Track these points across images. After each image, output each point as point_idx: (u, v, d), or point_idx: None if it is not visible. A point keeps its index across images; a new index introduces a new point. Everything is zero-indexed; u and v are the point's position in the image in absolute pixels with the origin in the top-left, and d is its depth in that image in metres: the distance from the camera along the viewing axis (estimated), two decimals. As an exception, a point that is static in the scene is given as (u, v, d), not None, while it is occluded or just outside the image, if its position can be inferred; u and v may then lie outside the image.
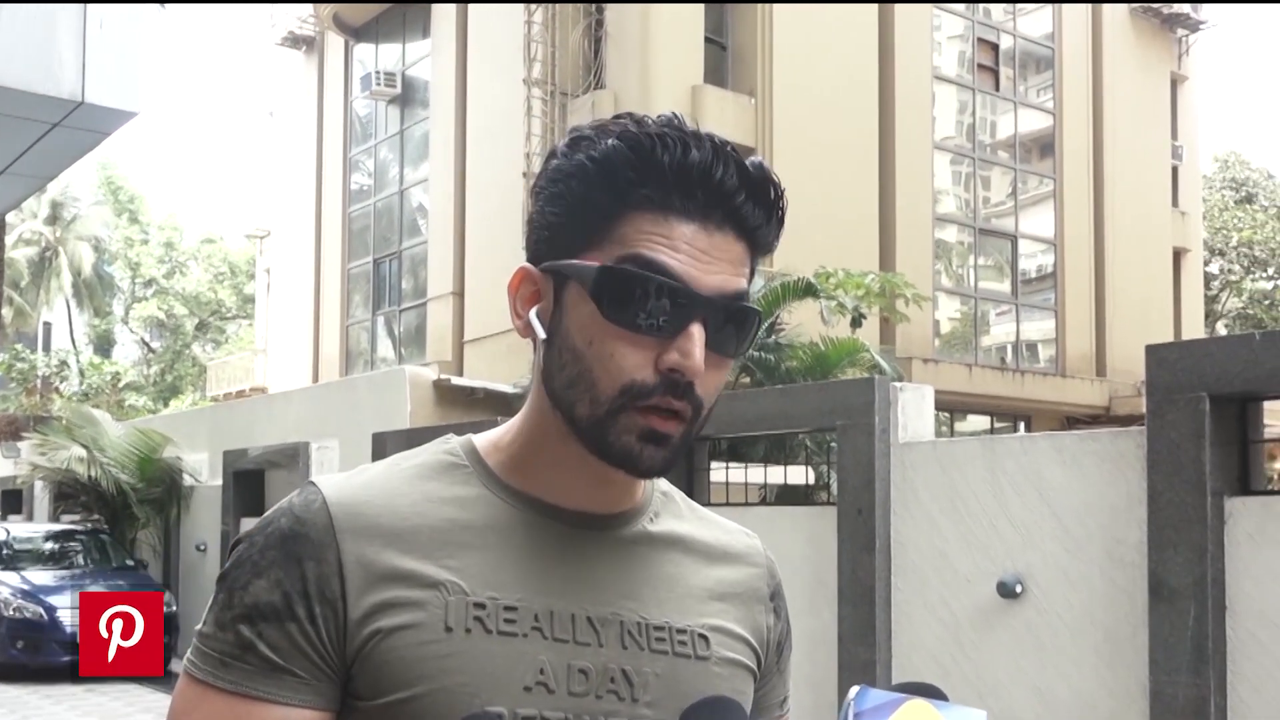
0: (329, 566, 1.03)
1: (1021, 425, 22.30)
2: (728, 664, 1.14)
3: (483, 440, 1.15)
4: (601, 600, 1.09)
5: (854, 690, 1.00)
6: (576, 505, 1.11)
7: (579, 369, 1.04)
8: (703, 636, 1.13)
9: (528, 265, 1.10)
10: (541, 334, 1.08)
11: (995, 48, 23.29)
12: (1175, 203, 25.68)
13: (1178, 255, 25.50)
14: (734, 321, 1.05)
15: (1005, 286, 23.21)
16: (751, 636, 1.18)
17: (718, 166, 1.03)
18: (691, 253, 1.03)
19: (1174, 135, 25.85)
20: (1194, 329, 25.33)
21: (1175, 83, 26.09)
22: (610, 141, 1.04)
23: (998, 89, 23.30)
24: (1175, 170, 25.78)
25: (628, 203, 1.04)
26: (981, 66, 23.07)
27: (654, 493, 1.19)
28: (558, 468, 1.10)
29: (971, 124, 22.91)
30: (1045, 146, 23.78)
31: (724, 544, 1.22)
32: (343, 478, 1.11)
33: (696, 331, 1.02)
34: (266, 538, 1.06)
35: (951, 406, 20.93)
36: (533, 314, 1.09)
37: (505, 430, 1.15)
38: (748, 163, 1.05)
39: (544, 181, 1.09)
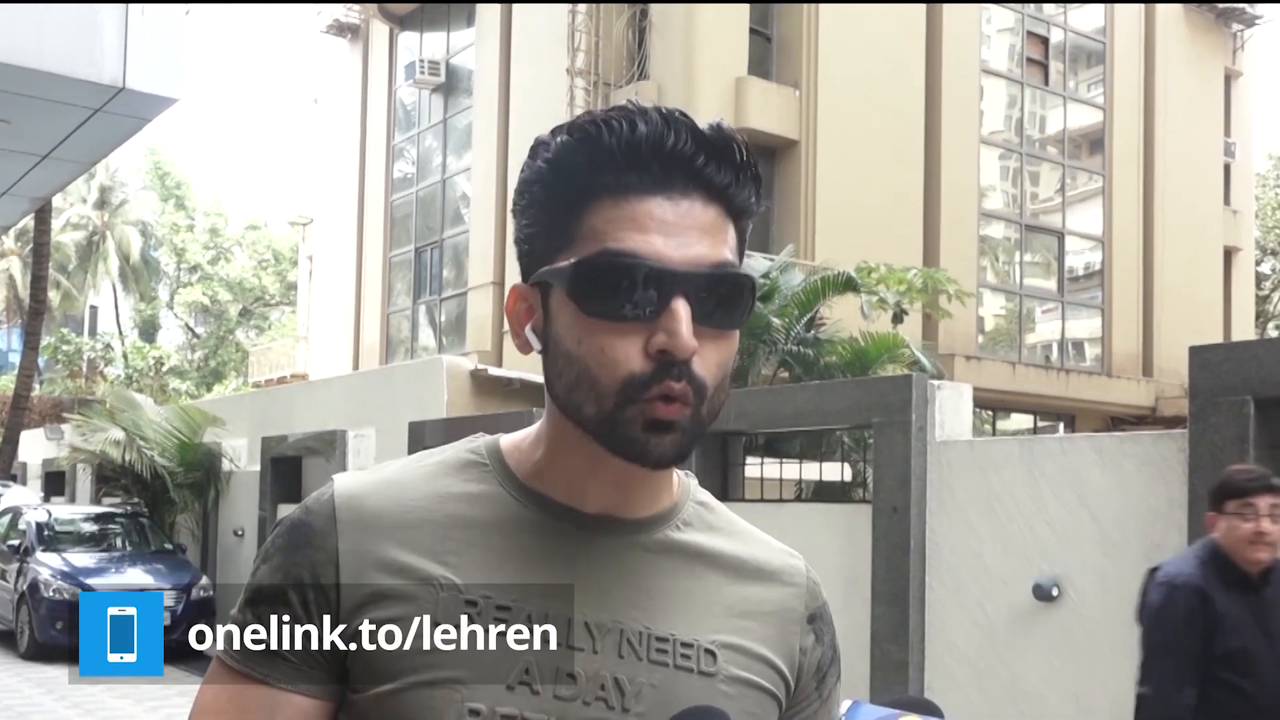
0: (325, 555, 1.05)
1: (1063, 425, 22.07)
2: (738, 683, 1.09)
3: (509, 440, 1.14)
4: (604, 606, 1.06)
5: (845, 704, 0.96)
6: (595, 509, 1.09)
7: (576, 371, 1.02)
8: (710, 652, 1.09)
9: (519, 284, 1.09)
10: (537, 346, 1.07)
11: (1045, 42, 23.00)
12: (1227, 201, 25.30)
13: (1229, 254, 25.12)
14: (723, 291, 1.02)
15: (1051, 284, 22.94)
16: (779, 659, 1.13)
17: (668, 135, 1.01)
18: (659, 228, 1.00)
19: (1227, 132, 25.46)
20: (1244, 329, 24.95)
21: (1229, 78, 25.68)
22: (560, 139, 1.04)
23: (1047, 83, 23.02)
24: (1228, 168, 25.39)
25: (586, 194, 1.02)
26: (1031, 60, 22.79)
27: (688, 502, 1.15)
28: (576, 470, 1.08)
29: (1020, 119, 22.65)
30: (1095, 142, 23.47)
31: (758, 561, 1.17)
32: (363, 473, 1.13)
33: (679, 307, 0.99)
34: (281, 527, 1.10)
35: (994, 404, 20.72)
36: (529, 329, 1.08)
37: (529, 432, 1.14)
38: (704, 125, 1.03)
39: (516, 195, 1.08)
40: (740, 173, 1.04)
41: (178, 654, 9.71)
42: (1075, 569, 5.73)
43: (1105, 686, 5.55)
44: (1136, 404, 22.16)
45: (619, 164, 1.01)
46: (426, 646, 1.02)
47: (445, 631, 1.03)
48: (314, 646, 1.05)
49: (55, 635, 12.26)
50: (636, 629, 1.06)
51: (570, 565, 1.07)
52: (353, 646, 1.04)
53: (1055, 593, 5.76)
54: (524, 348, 1.09)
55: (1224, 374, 5.09)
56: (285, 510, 12.85)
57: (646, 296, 0.99)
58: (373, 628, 1.03)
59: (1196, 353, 5.28)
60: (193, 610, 12.47)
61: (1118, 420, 21.79)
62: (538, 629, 1.04)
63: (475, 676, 1.02)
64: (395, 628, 1.03)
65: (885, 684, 6.44)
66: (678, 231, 1.00)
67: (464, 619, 1.03)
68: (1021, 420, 22.43)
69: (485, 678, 1.02)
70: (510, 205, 1.10)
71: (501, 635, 1.03)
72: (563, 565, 1.07)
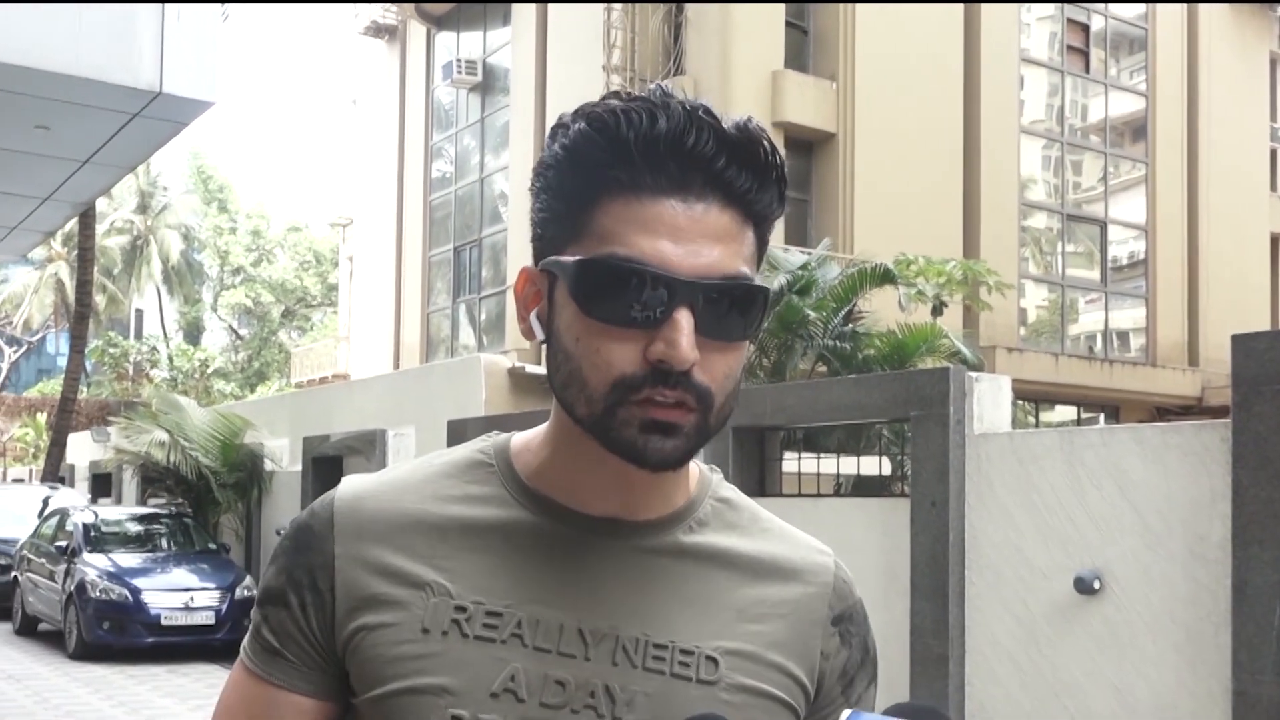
0: (323, 558, 1.06)
1: (1107, 417, 21.83)
2: (743, 691, 1.05)
3: (519, 439, 1.12)
4: (602, 613, 1.04)
5: (845, 714, 0.93)
6: (600, 511, 1.05)
7: (570, 368, 1.00)
8: (711, 659, 1.04)
9: (528, 267, 1.06)
10: (540, 335, 1.04)
11: (1086, 29, 22.77)
12: (1274, 186, 24.95)
13: (1276, 240, 24.77)
14: (731, 302, 0.98)
15: (1094, 274, 22.72)
16: (796, 665, 1.08)
17: (690, 133, 0.96)
18: (670, 233, 0.96)
19: (1273, 116, 25.11)
20: (1292, 317, 24.60)
21: (1275, 62, 25.33)
22: (578, 125, 0.99)
23: (1088, 71, 22.79)
24: (1274, 152, 25.05)
25: (598, 187, 0.98)
26: (1071, 48, 22.57)
27: (705, 501, 1.11)
28: (579, 470, 1.05)
29: (1061, 107, 22.43)
30: (1137, 130, 23.21)
31: (780, 560, 1.12)
32: (369, 475, 1.12)
33: (681, 319, 0.95)
34: (289, 528, 1.11)
35: (1037, 397, 20.54)
36: (533, 316, 1.05)
37: (540, 430, 1.10)
38: (730, 123, 0.98)
39: (533, 176, 1.04)
40: (763, 176, 0.99)
41: (222, 653, 9.87)
42: (1117, 561, 5.66)
43: (1148, 680, 5.48)
44: (1182, 394, 21.91)
45: (634, 160, 0.96)
46: (415, 653, 1.01)
47: (433, 638, 1.01)
48: (311, 649, 1.06)
49: (103, 635, 12.40)
50: (633, 635, 1.03)
51: (568, 570, 1.04)
52: (350, 651, 1.04)
53: (1097, 585, 5.69)
54: (527, 333, 1.06)
55: (1268, 362, 5.01)
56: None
57: (649, 304, 0.95)
58: (365, 633, 1.03)
59: (1239, 341, 5.20)
60: (236, 610, 12.57)
61: (1163, 411, 21.55)
62: (527, 636, 1.02)
63: (460, 684, 1.00)
64: (386, 633, 1.02)
65: (925, 679, 6.39)
66: (689, 238, 0.96)
67: (452, 625, 1.02)
68: (1065, 412, 22.22)
69: (470, 685, 1.00)
70: (529, 185, 1.07)
71: (489, 642, 1.02)
72: (560, 570, 1.04)
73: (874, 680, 1.17)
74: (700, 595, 1.07)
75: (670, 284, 0.95)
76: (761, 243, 1.03)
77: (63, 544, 13.62)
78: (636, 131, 0.96)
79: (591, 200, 0.98)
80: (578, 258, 0.98)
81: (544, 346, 1.05)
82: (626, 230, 0.96)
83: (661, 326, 0.95)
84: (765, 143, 0.99)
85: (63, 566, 13.28)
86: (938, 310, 12.44)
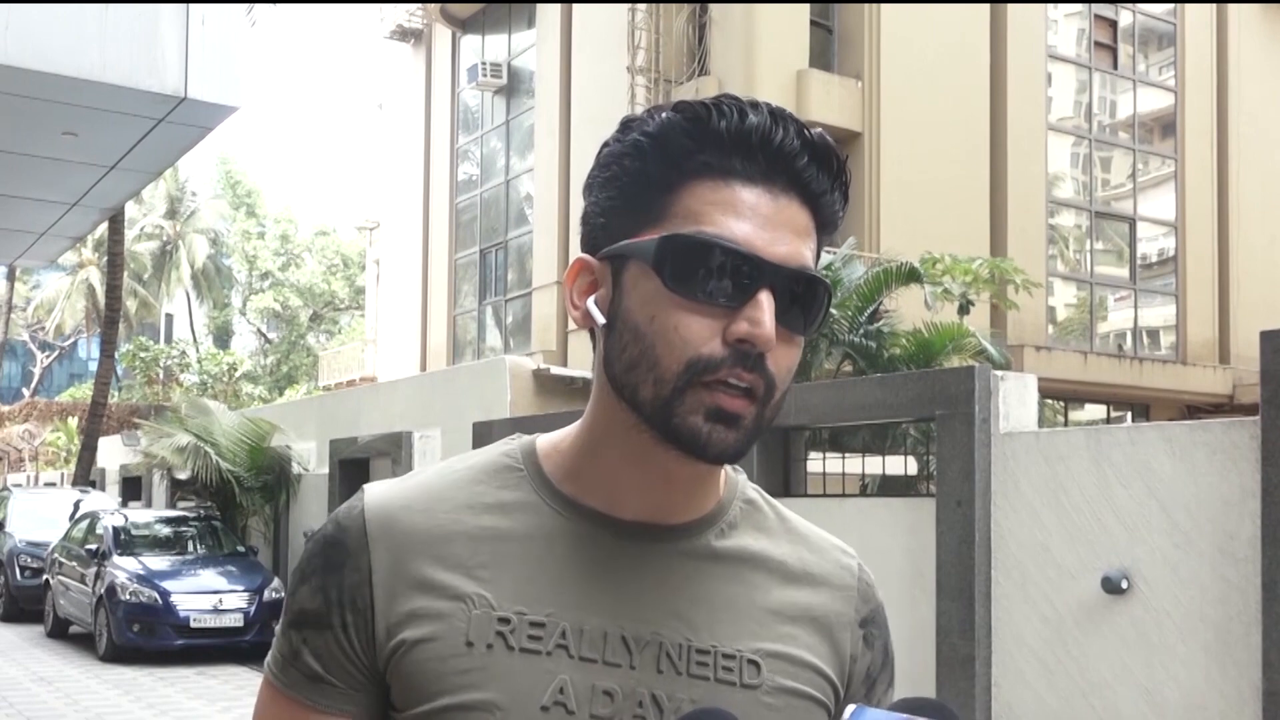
0: (360, 575, 1.03)
1: (1130, 415, 21.67)
2: (784, 694, 1.05)
3: (545, 441, 1.11)
4: (643, 619, 1.03)
5: (849, 709, 0.91)
6: (634, 515, 1.05)
7: (640, 348, 0.99)
8: (753, 663, 1.05)
9: (585, 256, 1.05)
10: (600, 319, 1.03)
11: (1114, 25, 22.60)
12: (1306, 181, 24.69)
13: (1308, 236, 24.52)
14: (802, 295, 1.00)
15: (1124, 271, 22.54)
16: (828, 666, 1.09)
17: (777, 130, 0.99)
18: (756, 219, 0.98)
19: (1304, 112, 24.84)
20: (1325, 314, 24.35)
21: (1305, 57, 25.05)
22: (665, 115, 1.01)
23: (1116, 67, 22.61)
24: (1306, 148, 24.77)
25: (686, 172, 1.00)
26: (1099, 45, 22.40)
27: (734, 503, 1.11)
28: (615, 472, 1.05)
29: (1089, 104, 22.27)
30: (1166, 126, 23.01)
31: (807, 563, 1.12)
32: (393, 482, 1.10)
33: (765, 299, 0.96)
34: (315, 543, 1.07)
35: (1066, 395, 20.40)
36: (590, 301, 1.04)
37: (568, 432, 1.10)
38: (808, 130, 1.01)
39: (596, 170, 1.05)
40: (835, 182, 1.02)
41: (250, 655, 9.93)
42: (1145, 561, 5.61)
43: (1177, 680, 5.43)
44: (1213, 392, 21.72)
45: (725, 149, 0.99)
46: (461, 667, 1.00)
47: (477, 651, 1.00)
48: (355, 670, 1.03)
49: (133, 637, 12.48)
50: (677, 641, 1.03)
51: (607, 576, 1.04)
52: (392, 667, 1.02)
53: (1125, 585, 5.64)
54: (583, 320, 1.05)
55: (1296, 358, 4.95)
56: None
57: (734, 282, 0.97)
58: (407, 649, 1.01)
59: (1268, 338, 5.15)
60: (264, 612, 12.63)
61: (1194, 409, 21.37)
62: (572, 645, 1.01)
63: (509, 698, 0.99)
64: (429, 648, 1.00)
65: (952, 679, 6.35)
66: (772, 227, 0.98)
67: (497, 638, 1.01)
68: (1095, 411, 22.06)
69: (519, 699, 0.99)
70: (586, 181, 1.06)
71: (535, 654, 1.01)
72: (598, 576, 1.04)
73: (892, 684, 1.17)
74: (737, 598, 1.07)
75: (757, 264, 0.97)
76: (819, 249, 1.05)
77: (93, 547, 13.72)
78: (729, 122, 0.98)
79: (677, 185, 0.99)
80: (662, 234, 0.98)
81: (596, 340, 1.04)
82: (714, 211, 0.98)
83: (745, 306, 0.96)
84: (837, 151, 1.02)
85: (93, 569, 13.38)
86: (964, 309, 12.37)
